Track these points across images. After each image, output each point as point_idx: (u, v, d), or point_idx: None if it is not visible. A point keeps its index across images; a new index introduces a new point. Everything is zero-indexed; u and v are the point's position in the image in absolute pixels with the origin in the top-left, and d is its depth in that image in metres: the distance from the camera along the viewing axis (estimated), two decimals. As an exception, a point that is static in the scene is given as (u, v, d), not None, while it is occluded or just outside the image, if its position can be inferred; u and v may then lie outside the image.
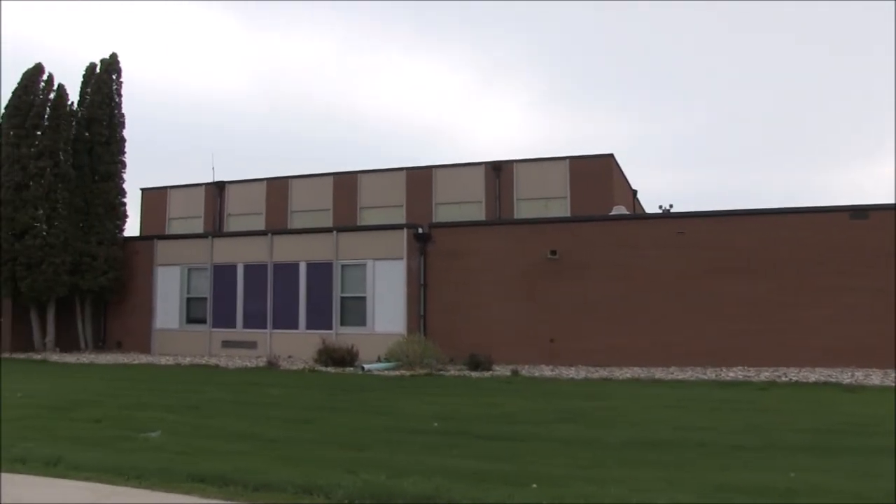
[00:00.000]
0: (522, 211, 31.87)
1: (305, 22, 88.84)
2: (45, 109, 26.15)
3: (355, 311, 24.82)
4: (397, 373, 19.68)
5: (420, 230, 24.52)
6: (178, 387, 15.77)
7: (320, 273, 25.25)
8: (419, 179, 33.43)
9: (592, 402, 13.50)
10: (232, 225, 36.32)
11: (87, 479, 7.17)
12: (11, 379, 17.30)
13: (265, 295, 25.79)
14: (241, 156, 78.70)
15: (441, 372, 19.83)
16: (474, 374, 19.49)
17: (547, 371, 20.14)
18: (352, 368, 20.94)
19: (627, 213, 27.42)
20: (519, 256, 23.35)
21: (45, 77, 26.68)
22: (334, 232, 25.60)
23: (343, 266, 25.10)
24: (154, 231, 34.68)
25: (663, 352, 21.28)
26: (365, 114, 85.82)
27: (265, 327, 25.63)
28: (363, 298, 24.72)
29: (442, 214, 32.53)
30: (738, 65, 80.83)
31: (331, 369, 20.80)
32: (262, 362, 22.63)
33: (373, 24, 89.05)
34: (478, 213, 32.04)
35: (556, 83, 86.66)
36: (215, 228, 35.82)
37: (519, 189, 32.03)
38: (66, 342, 27.11)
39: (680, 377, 18.32)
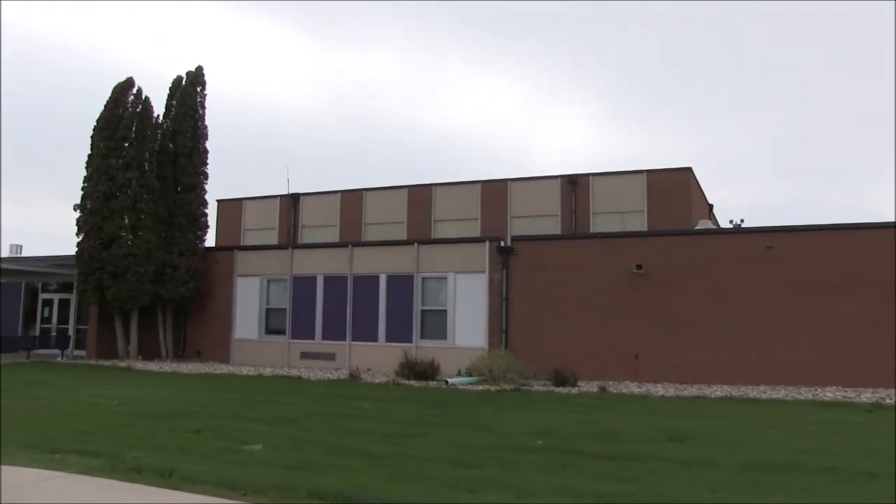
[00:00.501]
0: (598, 225, 31.26)
1: (375, 41, 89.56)
2: (133, 122, 26.54)
3: (436, 324, 24.50)
4: (482, 387, 19.25)
5: (502, 243, 24.12)
6: (267, 398, 15.62)
7: (400, 285, 25.03)
8: (494, 193, 33.07)
9: (695, 421, 12.88)
10: (306, 237, 36.44)
11: (204, 492, 6.93)
12: (103, 385, 17.44)
13: (344, 307, 25.67)
14: (312, 170, 79.51)
15: (526, 387, 19.34)
16: (560, 389, 18.98)
17: (634, 388, 19.49)
18: (434, 382, 20.61)
19: (713, 227, 26.60)
20: (603, 270, 22.76)
21: (134, 90, 27.12)
22: (415, 244, 25.36)
23: (423, 279, 24.84)
24: (229, 242, 35.01)
25: (752, 370, 20.46)
26: (432, 127, 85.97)
27: (344, 339, 25.48)
28: (444, 311, 24.40)
29: (517, 228, 32.08)
30: (809, 74, 78.72)
31: (413, 383, 20.51)
32: (342, 374, 22.45)
33: (440, 40, 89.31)
34: (553, 226, 31.50)
35: (621, 95, 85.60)
36: (290, 240, 35.99)
37: (595, 203, 31.43)
38: (148, 350, 27.41)
39: (774, 396, 17.50)
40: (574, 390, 18.82)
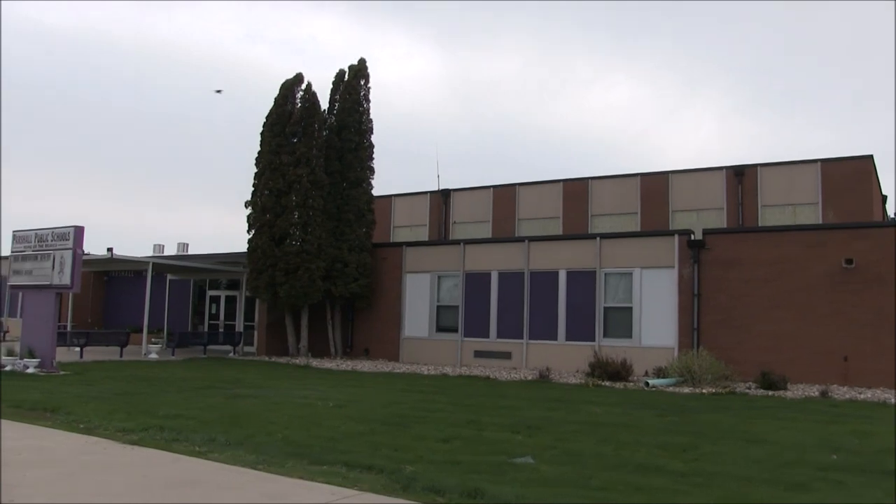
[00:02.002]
0: (767, 218, 29.14)
1: (506, 50, 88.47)
2: (302, 118, 26.22)
3: (620, 322, 23.08)
4: (687, 390, 17.79)
5: (692, 237, 22.46)
6: (479, 401, 14.57)
7: (581, 282, 23.72)
8: (653, 186, 31.39)
9: None
10: (457, 232, 35.66)
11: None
12: (301, 385, 16.88)
13: (521, 304, 24.55)
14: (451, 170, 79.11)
15: (731, 390, 17.69)
16: (772, 393, 17.28)
17: (857, 393, 17.58)
18: (627, 383, 19.34)
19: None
20: (806, 265, 20.79)
21: (303, 86, 26.82)
22: (597, 239, 23.95)
23: (606, 274, 23.44)
24: (379, 238, 34.52)
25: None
26: (557, 125, 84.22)
27: (521, 337, 24.37)
28: (628, 309, 22.94)
29: (679, 222, 30.31)
30: None
31: (607, 383, 19.23)
32: (524, 374, 21.36)
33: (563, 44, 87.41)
34: (718, 220, 29.57)
35: (757, 90, 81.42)
36: (440, 236, 35.28)
37: (763, 195, 29.30)
38: (317, 348, 27.09)
39: None
40: (787, 394, 17.14)
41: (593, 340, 23.13)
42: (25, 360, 18.23)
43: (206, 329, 32.07)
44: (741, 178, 29.83)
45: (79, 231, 18.24)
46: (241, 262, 29.21)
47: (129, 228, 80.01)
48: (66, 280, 18.08)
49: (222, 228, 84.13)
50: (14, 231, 19.77)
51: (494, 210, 35.24)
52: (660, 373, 20.71)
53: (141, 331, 27.02)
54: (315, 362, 24.51)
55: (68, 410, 11.49)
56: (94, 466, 7.62)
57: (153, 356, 25.03)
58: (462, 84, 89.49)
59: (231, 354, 27.63)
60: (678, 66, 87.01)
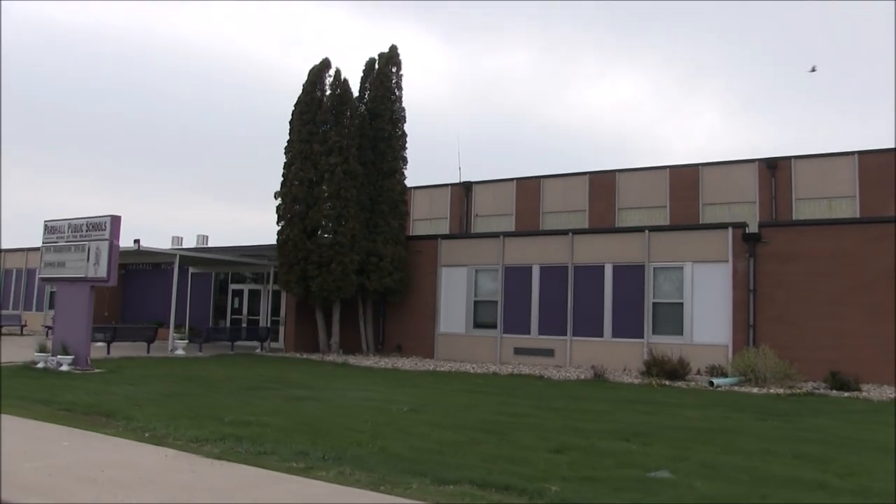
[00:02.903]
0: (802, 212, 28.32)
1: (514, 48, 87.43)
2: (333, 105, 25.20)
3: (670, 318, 22.16)
4: (753, 390, 16.95)
5: (747, 229, 21.54)
6: (557, 403, 13.61)
7: (629, 276, 22.78)
8: (683, 179, 30.57)
9: None
10: (479, 226, 34.77)
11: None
12: (354, 385, 15.96)
13: (564, 299, 23.60)
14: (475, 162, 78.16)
15: (797, 390, 16.82)
16: (847, 394, 16.41)
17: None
18: (688, 382, 18.45)
19: None
20: (868, 260, 19.88)
21: (331, 72, 25.80)
22: (646, 232, 23.01)
23: (655, 269, 22.51)
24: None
25: None
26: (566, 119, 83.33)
27: (564, 334, 23.43)
28: (679, 305, 22.02)
29: (709, 215, 29.50)
30: None
31: (666, 382, 18.37)
32: (579, 373, 20.47)
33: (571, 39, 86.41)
34: (751, 213, 28.74)
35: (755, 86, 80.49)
36: (462, 229, 34.37)
37: (798, 188, 28.45)
38: (348, 344, 26.11)
39: None
40: (865, 395, 16.25)
41: (642, 337, 22.21)
42: (59, 356, 17.25)
43: (227, 324, 31.09)
44: (774, 170, 29.06)
45: (115, 220, 17.23)
46: (266, 254, 28.28)
47: (134, 220, 78.84)
48: (103, 273, 17.04)
49: (225, 224, 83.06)
50: (46, 221, 18.75)
51: (518, 203, 34.38)
52: (713, 371, 19.92)
53: (162, 325, 26.03)
54: (350, 359, 23.55)
55: (127, 415, 10.58)
56: (200, 491, 6.65)
57: (179, 352, 24.10)
58: (469, 78, 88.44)
59: (257, 351, 26.64)
60: (678, 61, 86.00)
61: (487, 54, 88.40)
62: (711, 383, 17.80)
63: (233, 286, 31.80)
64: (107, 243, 17.11)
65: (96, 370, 17.24)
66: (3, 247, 39.71)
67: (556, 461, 8.20)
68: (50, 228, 18.62)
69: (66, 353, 17.26)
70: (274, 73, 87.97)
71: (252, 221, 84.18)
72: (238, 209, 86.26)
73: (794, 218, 27.60)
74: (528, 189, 34.27)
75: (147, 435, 9.33)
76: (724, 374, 19.26)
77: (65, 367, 17.04)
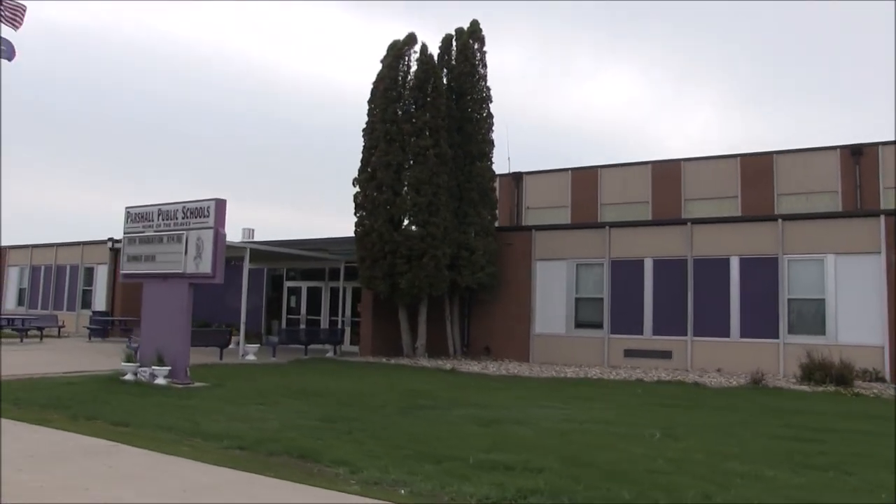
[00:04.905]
0: (890, 202, 26.21)
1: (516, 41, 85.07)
2: (420, 82, 22.69)
3: (808, 316, 19.94)
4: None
5: (904, 217, 19.31)
6: (790, 418, 11.27)
7: (758, 270, 20.52)
8: (755, 167, 28.58)
9: None
10: (530, 218, 32.51)
11: None
12: (523, 400, 13.53)
13: (683, 295, 21.30)
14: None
15: None
16: None
17: None
18: (860, 389, 16.25)
19: None
20: None
21: (417, 47, 23.29)
22: (778, 221, 20.74)
23: (790, 261, 20.23)
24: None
25: None
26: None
27: (683, 334, 21.14)
28: (820, 301, 19.78)
29: (784, 206, 27.36)
30: None
31: (830, 388, 16.19)
32: (734, 380, 18.11)
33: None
34: (831, 204, 26.82)
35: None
36: (512, 222, 32.11)
37: (885, 176, 26.44)
38: (432, 346, 23.60)
39: None
40: None
41: (776, 337, 19.96)
42: (154, 367, 14.69)
43: (282, 325, 28.54)
44: (858, 157, 27.00)
45: (220, 205, 14.60)
46: (328, 248, 25.78)
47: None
48: (206, 267, 14.40)
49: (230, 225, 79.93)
50: (127, 208, 16.14)
51: (573, 194, 32.29)
52: (866, 375, 17.84)
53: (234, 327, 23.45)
54: (447, 364, 21.11)
55: (335, 458, 7.93)
56: None
57: (251, 357, 21.57)
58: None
59: (329, 354, 24.09)
60: (675, 58, 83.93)
61: (487, 55, 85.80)
62: (898, 391, 15.59)
63: (288, 283, 29.23)
64: (210, 232, 14.50)
65: (196, 383, 14.74)
66: (32, 243, 37.10)
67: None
68: (134, 216, 16.01)
69: (161, 363, 14.70)
70: (274, 75, 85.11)
71: (251, 222, 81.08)
72: (240, 209, 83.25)
73: (881, 208, 25.51)
74: (585, 180, 32.22)
75: (375, 487, 6.93)
76: (882, 379, 17.17)
77: (160, 381, 14.51)
